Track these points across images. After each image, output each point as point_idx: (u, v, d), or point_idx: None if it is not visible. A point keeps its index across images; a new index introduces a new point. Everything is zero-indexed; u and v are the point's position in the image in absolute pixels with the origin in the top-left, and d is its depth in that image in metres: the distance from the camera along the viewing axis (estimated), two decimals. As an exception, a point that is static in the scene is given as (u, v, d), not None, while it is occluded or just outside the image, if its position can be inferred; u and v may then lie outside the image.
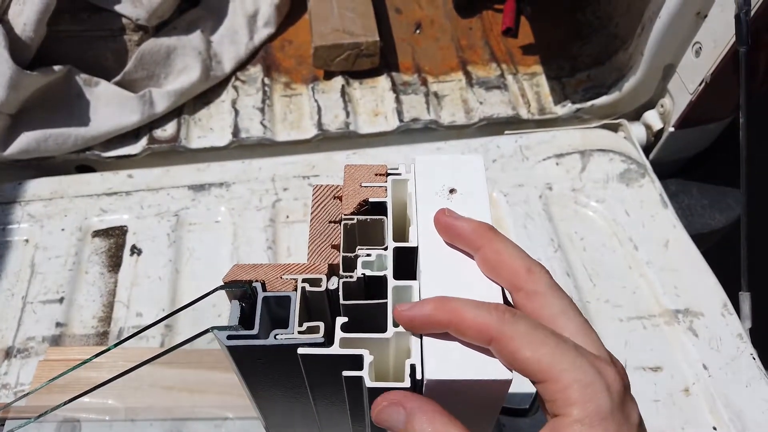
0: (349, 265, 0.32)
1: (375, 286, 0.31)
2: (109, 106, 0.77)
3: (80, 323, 0.61)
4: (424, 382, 0.27)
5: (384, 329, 0.29)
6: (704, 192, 0.81)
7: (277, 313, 0.32)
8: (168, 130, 0.79)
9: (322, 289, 0.31)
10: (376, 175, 0.35)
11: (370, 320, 0.30)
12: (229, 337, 0.29)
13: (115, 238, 0.68)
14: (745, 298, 0.61)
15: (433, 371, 0.27)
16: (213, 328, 0.30)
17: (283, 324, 0.30)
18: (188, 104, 0.82)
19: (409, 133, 0.81)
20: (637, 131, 0.80)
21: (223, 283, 0.32)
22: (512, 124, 0.82)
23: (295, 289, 0.31)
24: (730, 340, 0.58)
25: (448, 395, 0.27)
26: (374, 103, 0.84)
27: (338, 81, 0.85)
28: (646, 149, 0.80)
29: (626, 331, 0.59)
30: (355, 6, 0.88)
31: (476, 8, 0.96)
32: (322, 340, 0.29)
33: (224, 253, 0.66)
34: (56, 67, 0.74)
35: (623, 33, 0.84)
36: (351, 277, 0.31)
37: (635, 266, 0.64)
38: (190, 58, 0.81)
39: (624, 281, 0.63)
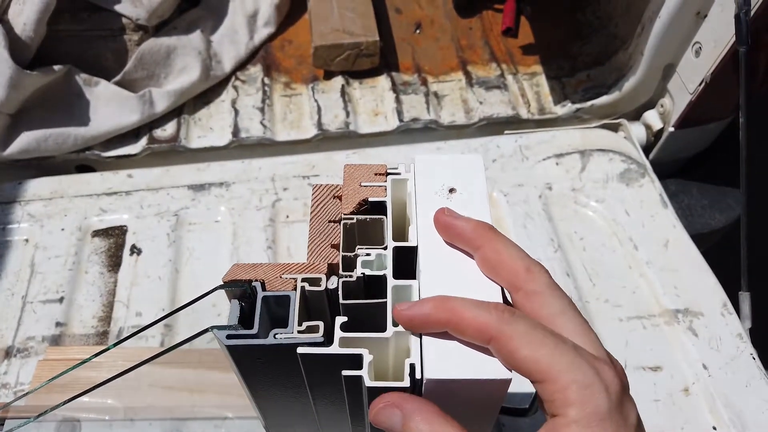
0: (349, 264, 0.32)
1: (374, 286, 0.31)
2: (109, 106, 0.77)
3: (80, 323, 0.61)
4: (424, 382, 0.27)
5: (383, 329, 0.29)
6: (704, 192, 0.81)
7: (276, 312, 0.32)
8: (168, 129, 0.79)
9: (322, 288, 0.31)
10: (376, 174, 0.35)
11: (370, 320, 0.30)
12: (229, 337, 0.29)
13: (114, 238, 0.68)
14: (744, 298, 0.61)
15: (433, 370, 0.27)
16: (212, 327, 0.30)
17: (283, 323, 0.30)
18: (188, 104, 0.82)
19: (409, 133, 0.81)
20: (637, 131, 0.80)
21: (222, 283, 0.32)
22: (512, 123, 0.82)
23: (295, 289, 0.31)
24: (730, 340, 0.58)
25: (448, 394, 0.27)
26: (374, 102, 0.84)
27: (338, 81, 0.85)
28: (646, 149, 0.80)
29: (626, 330, 0.59)
30: (355, 6, 0.88)
31: (476, 8, 0.96)
32: (322, 339, 0.29)
33: (224, 253, 0.66)
34: (56, 67, 0.74)
35: (623, 33, 0.84)
36: (350, 276, 0.31)
37: (635, 266, 0.64)
38: (190, 58, 0.81)
39: (624, 281, 0.63)
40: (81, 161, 0.78)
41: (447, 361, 0.27)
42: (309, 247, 0.34)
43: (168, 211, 0.69)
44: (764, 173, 0.80)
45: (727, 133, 0.80)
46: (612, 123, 0.78)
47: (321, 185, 0.36)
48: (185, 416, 0.54)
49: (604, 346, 0.28)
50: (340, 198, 0.35)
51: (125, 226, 0.68)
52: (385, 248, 0.32)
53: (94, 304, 0.63)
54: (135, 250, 0.66)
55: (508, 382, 0.27)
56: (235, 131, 0.79)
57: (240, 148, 0.79)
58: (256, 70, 0.87)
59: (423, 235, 0.32)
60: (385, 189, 0.34)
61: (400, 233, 0.33)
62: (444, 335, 0.28)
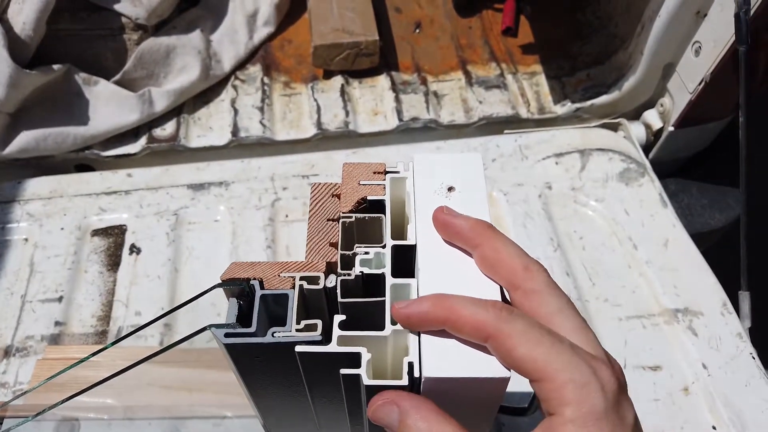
0: (348, 263, 0.32)
1: (373, 284, 0.31)
2: (109, 105, 0.77)
3: (79, 322, 0.61)
4: (422, 380, 0.27)
5: (382, 327, 0.29)
6: (704, 191, 0.81)
7: (275, 311, 0.32)
8: (167, 129, 0.79)
9: (320, 287, 0.31)
10: (375, 173, 0.35)
11: (368, 318, 0.30)
12: (227, 335, 0.29)
13: (114, 237, 0.68)
14: (744, 298, 0.61)
15: (431, 369, 0.27)
16: (210, 326, 0.30)
17: (281, 322, 0.30)
18: (188, 103, 0.82)
19: (408, 132, 0.81)
20: (637, 130, 0.80)
21: (220, 281, 0.32)
22: (512, 123, 0.82)
23: (293, 287, 0.31)
24: (730, 340, 0.58)
25: (446, 393, 0.27)
26: (374, 102, 0.84)
27: (338, 80, 0.85)
28: (646, 148, 0.80)
29: (625, 330, 0.59)
30: (355, 5, 0.88)
31: (476, 7, 0.96)
32: (320, 337, 0.29)
33: (223, 252, 0.66)
34: (55, 66, 0.74)
35: (623, 32, 0.84)
36: (349, 275, 0.31)
37: (635, 265, 0.64)
38: (189, 58, 0.81)
39: (623, 280, 0.63)
40: (80, 160, 0.78)
41: (445, 359, 0.27)
42: (307, 246, 0.34)
43: (167, 211, 0.69)
44: (764, 173, 0.80)
45: (727, 132, 0.80)
46: (612, 122, 0.78)
47: (320, 184, 0.36)
48: (184, 415, 0.54)
49: (602, 345, 0.28)
50: (338, 196, 0.35)
51: (124, 225, 0.68)
52: (384, 247, 0.32)
53: (94, 304, 0.63)
54: (134, 249, 0.66)
55: (506, 380, 0.27)
56: (235, 131, 0.79)
57: (239, 147, 0.79)
58: (255, 70, 0.87)
59: (422, 234, 0.31)
60: (384, 187, 0.34)
61: (399, 232, 0.33)
62: (443, 333, 0.28)
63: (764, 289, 0.66)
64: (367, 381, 0.27)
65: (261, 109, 0.82)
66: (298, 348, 0.28)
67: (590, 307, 0.61)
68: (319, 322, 0.29)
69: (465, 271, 0.30)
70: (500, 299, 0.29)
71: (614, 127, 0.78)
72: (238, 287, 0.31)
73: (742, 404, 0.54)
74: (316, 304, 0.32)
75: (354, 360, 0.28)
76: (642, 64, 0.76)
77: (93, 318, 0.61)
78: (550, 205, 0.69)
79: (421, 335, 0.28)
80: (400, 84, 0.85)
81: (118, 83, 0.79)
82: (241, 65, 0.87)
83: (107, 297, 0.63)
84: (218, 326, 0.30)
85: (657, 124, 0.80)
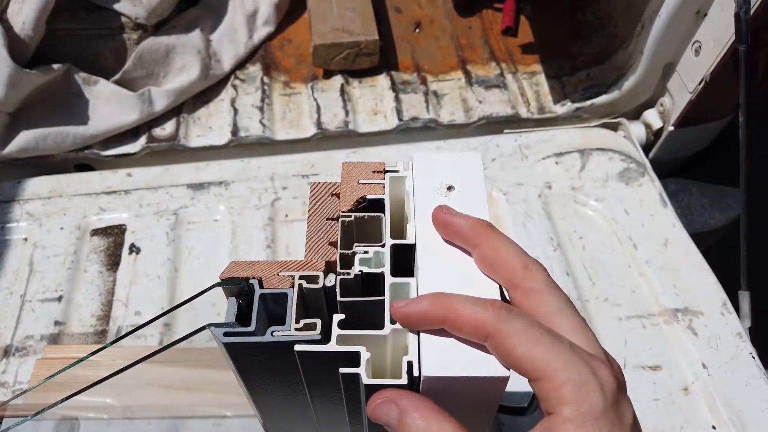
0: (347, 262, 0.32)
1: (372, 283, 0.31)
2: (108, 105, 0.77)
3: (79, 322, 0.61)
4: (421, 379, 0.27)
5: (381, 326, 0.29)
6: (704, 191, 0.81)
7: (274, 310, 0.32)
8: (167, 128, 0.79)
9: (320, 286, 0.31)
10: (374, 172, 0.35)
11: (368, 317, 0.30)
12: (226, 334, 0.29)
13: (113, 237, 0.68)
14: (744, 297, 0.61)
15: (430, 368, 0.27)
16: (210, 325, 0.30)
17: (280, 321, 0.30)
18: (187, 103, 0.82)
19: (408, 132, 0.81)
20: (637, 130, 0.80)
21: (219, 280, 0.32)
22: (512, 123, 0.82)
23: (292, 286, 0.31)
24: (730, 339, 0.58)
25: (445, 392, 0.27)
26: (373, 102, 0.84)
27: (337, 80, 0.85)
28: (646, 148, 0.80)
29: (625, 330, 0.59)
30: (355, 5, 0.88)
31: (476, 7, 0.96)
32: (319, 337, 0.29)
33: (223, 252, 0.66)
34: (55, 66, 0.74)
35: (623, 32, 0.84)
36: (348, 274, 0.31)
37: (635, 265, 0.64)
38: (189, 57, 0.81)
39: (623, 280, 0.63)
40: (80, 160, 0.78)
41: (444, 358, 0.27)
42: (307, 245, 0.33)
43: (167, 210, 0.69)
44: (764, 172, 0.80)
45: (727, 132, 0.80)
46: (612, 122, 0.78)
47: (319, 183, 0.36)
48: (184, 415, 0.54)
49: (602, 344, 0.28)
50: (338, 196, 0.35)
51: (124, 225, 0.68)
52: (383, 246, 0.32)
53: (93, 303, 0.62)
54: (134, 248, 0.66)
55: (505, 379, 0.27)
56: (235, 130, 0.79)
57: (239, 147, 0.79)
58: (255, 69, 0.87)
59: (421, 233, 0.31)
60: (384, 187, 0.34)
61: (398, 231, 0.33)
62: (442, 333, 0.28)
63: (764, 289, 0.66)
64: (366, 380, 0.27)
65: (261, 109, 0.82)
66: (298, 347, 0.28)
67: (590, 306, 0.61)
68: (319, 322, 0.29)
69: (464, 270, 0.30)
70: (499, 298, 0.29)
71: (614, 127, 0.78)
72: (237, 286, 0.31)
73: (741, 404, 0.54)
74: (316, 304, 0.32)
75: (353, 359, 0.28)
76: (642, 64, 0.76)
77: (92, 318, 0.61)
78: (549, 204, 0.69)
79: (421, 334, 0.28)
80: (399, 84, 0.85)
81: (117, 83, 0.79)
82: (241, 65, 0.87)
83: (107, 296, 0.63)
84: (217, 325, 0.29)
85: (657, 124, 0.80)
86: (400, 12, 0.95)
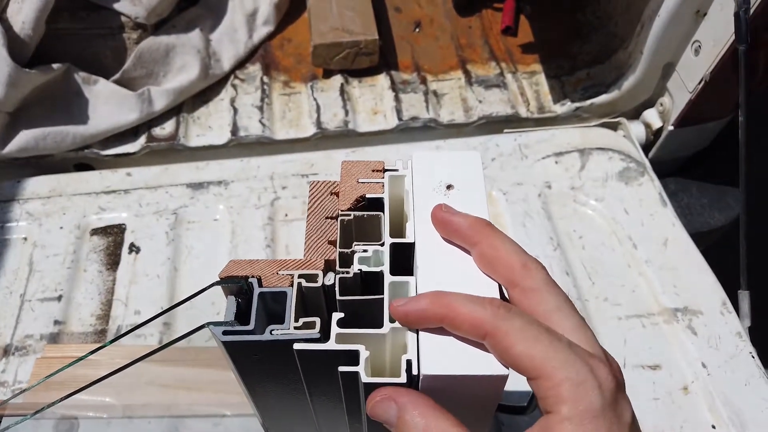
0: (346, 260, 0.32)
1: (371, 282, 0.31)
2: (108, 105, 0.77)
3: (78, 321, 0.61)
4: (420, 378, 0.27)
5: (380, 325, 0.29)
6: (703, 191, 0.81)
7: (273, 308, 0.32)
8: (167, 128, 0.79)
9: (319, 284, 0.31)
10: (373, 171, 0.35)
11: (367, 316, 0.30)
12: (225, 333, 0.29)
13: (113, 236, 0.68)
14: (744, 297, 0.61)
15: (429, 366, 0.27)
16: (209, 323, 0.30)
17: (280, 319, 0.30)
18: (187, 102, 0.82)
19: (408, 131, 0.81)
20: (637, 130, 0.80)
21: (219, 279, 0.32)
22: (511, 122, 0.82)
23: (292, 285, 0.31)
24: (729, 339, 0.58)
25: (444, 390, 0.27)
26: (373, 101, 0.84)
27: (337, 79, 0.85)
28: (646, 148, 0.80)
29: (625, 329, 0.59)
30: (355, 4, 0.88)
31: (476, 7, 0.96)
32: (318, 335, 0.29)
33: (223, 251, 0.66)
34: (55, 65, 0.74)
35: (623, 32, 0.84)
36: (347, 272, 0.31)
37: (634, 265, 0.64)
38: (189, 57, 0.81)
39: (623, 280, 0.63)
40: (80, 159, 0.78)
41: (443, 357, 0.27)
42: (306, 244, 0.33)
43: (167, 210, 0.69)
44: (764, 172, 0.80)
45: (727, 131, 0.80)
46: (611, 122, 0.78)
47: (318, 182, 0.36)
48: (183, 414, 0.54)
49: (601, 344, 0.28)
50: (337, 194, 0.35)
51: (124, 224, 0.68)
52: (382, 244, 0.32)
53: (93, 303, 0.62)
54: (134, 248, 0.66)
55: (504, 378, 0.27)
56: (234, 130, 0.79)
57: (239, 146, 0.79)
58: (255, 69, 0.87)
59: (420, 232, 0.31)
60: (383, 185, 0.34)
61: (398, 230, 0.33)
62: (441, 331, 0.28)
63: (764, 289, 0.66)
64: (365, 379, 0.27)
65: (260, 108, 0.82)
66: (297, 346, 0.28)
67: (589, 306, 0.61)
68: (318, 320, 0.29)
69: (463, 268, 0.30)
70: (498, 297, 0.29)
71: (614, 127, 0.78)
72: (236, 285, 0.31)
73: (741, 403, 0.54)
74: (315, 302, 0.32)
75: (352, 358, 0.28)
76: (642, 64, 0.76)
77: (92, 317, 0.61)
78: (549, 204, 0.69)
79: (420, 333, 0.28)
80: (399, 83, 0.85)
81: (117, 82, 0.79)
82: (241, 64, 0.87)
83: (106, 296, 0.63)
84: (216, 324, 0.29)
85: (657, 124, 0.80)
86: (399, 11, 0.95)
